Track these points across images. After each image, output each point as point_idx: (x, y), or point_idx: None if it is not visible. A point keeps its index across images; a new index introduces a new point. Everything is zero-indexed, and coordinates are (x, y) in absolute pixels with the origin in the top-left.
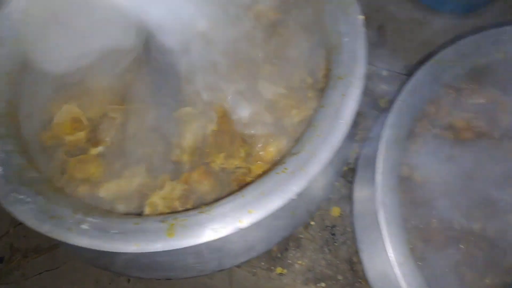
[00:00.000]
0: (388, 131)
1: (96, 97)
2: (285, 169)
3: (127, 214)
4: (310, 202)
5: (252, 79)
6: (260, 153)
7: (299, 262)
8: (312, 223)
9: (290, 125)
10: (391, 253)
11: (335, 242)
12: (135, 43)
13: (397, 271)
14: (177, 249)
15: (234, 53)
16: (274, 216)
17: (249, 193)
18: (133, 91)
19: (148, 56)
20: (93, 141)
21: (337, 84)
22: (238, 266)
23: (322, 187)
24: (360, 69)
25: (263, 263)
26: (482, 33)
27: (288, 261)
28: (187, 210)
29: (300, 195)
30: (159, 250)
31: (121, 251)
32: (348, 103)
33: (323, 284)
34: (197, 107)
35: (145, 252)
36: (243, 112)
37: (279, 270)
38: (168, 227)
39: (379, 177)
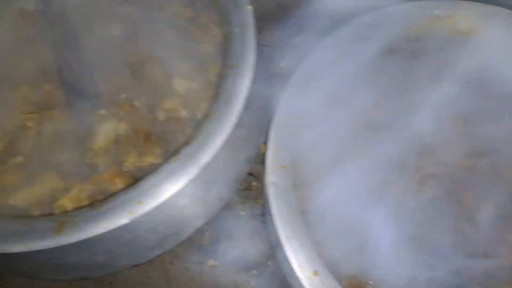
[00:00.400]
0: (279, 114)
1: (11, 107)
2: (178, 159)
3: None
4: (219, 189)
5: (167, 77)
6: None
7: (231, 252)
8: (243, 213)
9: (202, 118)
10: (280, 230)
11: (265, 229)
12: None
13: (286, 245)
14: (83, 246)
15: (150, 51)
16: (174, 205)
17: (141, 185)
18: (48, 98)
19: (62, 62)
20: (11, 152)
21: (228, 73)
22: (171, 263)
23: (227, 173)
24: (250, 57)
25: (194, 257)
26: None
27: (220, 252)
28: (81, 207)
29: (198, 183)
30: (46, 248)
31: (8, 252)
32: (238, 91)
33: (254, 272)
34: (111, 109)
35: (46, 250)
36: (158, 109)
37: (211, 262)
38: (57, 225)
39: (269, 157)
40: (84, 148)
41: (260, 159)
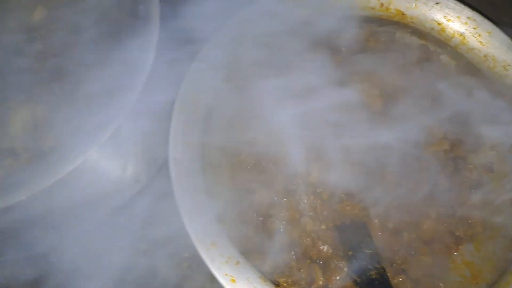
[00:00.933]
0: (184, 88)
1: None
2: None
3: None
4: (134, 169)
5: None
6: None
7: (163, 235)
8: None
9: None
10: (178, 202)
11: None
12: None
13: (185, 218)
14: None
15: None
16: (80, 184)
17: (42, 162)
18: None
19: None
20: None
21: (133, 47)
22: None
23: (141, 154)
24: (153, 34)
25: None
26: None
27: (152, 237)
28: None
29: (105, 162)
30: None
31: None
32: (142, 65)
33: (186, 254)
34: (29, 94)
35: None
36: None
37: (143, 247)
38: None
39: (172, 132)
40: (1, 133)
41: None
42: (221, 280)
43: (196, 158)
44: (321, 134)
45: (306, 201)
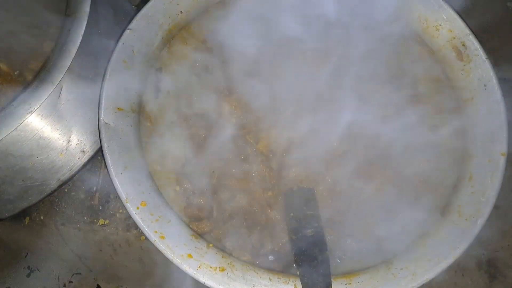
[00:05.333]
0: (116, 54)
1: None
2: (11, 105)
3: None
4: (78, 141)
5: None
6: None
7: (120, 211)
8: None
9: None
10: (110, 167)
11: None
12: None
13: (115, 180)
14: None
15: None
16: (22, 156)
17: None
18: None
19: None
20: None
21: (66, 21)
22: (63, 224)
23: (82, 125)
24: (85, 7)
25: (86, 218)
26: None
27: (110, 211)
28: None
29: (45, 132)
30: None
31: None
32: (73, 37)
33: None
34: None
35: None
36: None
37: (101, 221)
38: None
39: (102, 98)
40: None
41: None
42: (150, 236)
43: (126, 124)
44: None
45: (255, 170)
